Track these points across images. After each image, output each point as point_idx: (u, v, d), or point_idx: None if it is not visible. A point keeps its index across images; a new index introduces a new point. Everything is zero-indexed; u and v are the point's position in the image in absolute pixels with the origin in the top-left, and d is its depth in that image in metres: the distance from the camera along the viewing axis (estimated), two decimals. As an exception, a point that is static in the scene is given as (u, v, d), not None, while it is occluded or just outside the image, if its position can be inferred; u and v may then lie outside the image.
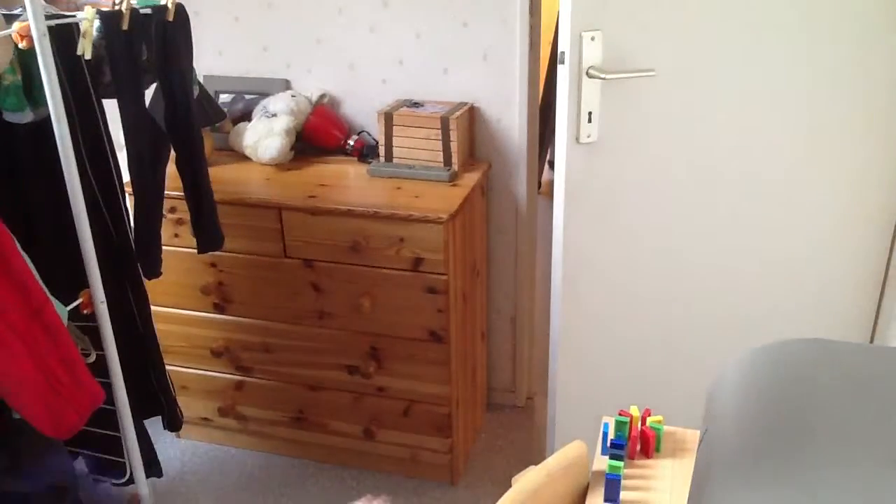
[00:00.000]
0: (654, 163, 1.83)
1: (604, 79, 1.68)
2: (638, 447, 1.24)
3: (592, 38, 1.67)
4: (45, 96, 1.44)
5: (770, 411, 0.84)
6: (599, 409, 2.05)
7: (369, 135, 2.44)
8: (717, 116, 1.80)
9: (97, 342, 1.63)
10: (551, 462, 1.14)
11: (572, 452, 1.15)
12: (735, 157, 1.84)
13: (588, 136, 1.75)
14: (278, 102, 2.38)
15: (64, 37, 1.52)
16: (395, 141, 2.25)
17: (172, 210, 2.17)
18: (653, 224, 1.89)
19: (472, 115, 2.35)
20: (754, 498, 0.73)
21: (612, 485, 1.06)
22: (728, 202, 1.88)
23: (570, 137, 1.75)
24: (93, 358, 1.61)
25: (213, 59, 2.53)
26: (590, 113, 1.73)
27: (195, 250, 2.02)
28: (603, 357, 2.00)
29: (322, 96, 2.45)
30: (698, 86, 1.77)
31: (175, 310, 2.34)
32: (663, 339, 2.00)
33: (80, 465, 1.89)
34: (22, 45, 1.39)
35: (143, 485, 1.80)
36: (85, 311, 1.59)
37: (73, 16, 1.53)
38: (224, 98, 2.51)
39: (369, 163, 2.32)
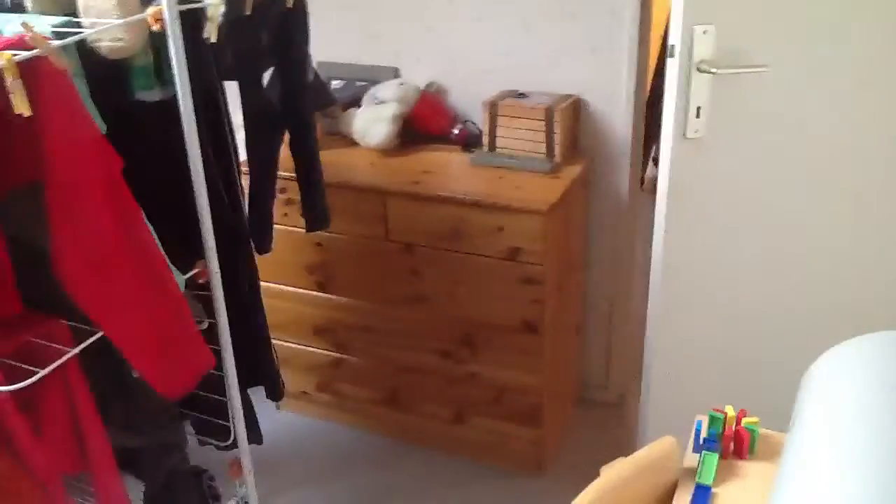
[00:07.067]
0: (763, 161, 1.78)
1: (714, 73, 1.65)
2: (731, 447, 1.22)
3: (704, 32, 1.64)
4: (172, 76, 1.53)
5: (859, 407, 0.82)
6: (692, 409, 2.01)
7: (474, 124, 2.47)
8: (830, 116, 1.74)
9: (209, 312, 1.73)
10: (641, 455, 1.13)
11: (663, 447, 1.15)
12: (847, 158, 1.77)
13: (695, 132, 1.72)
14: (387, 90, 2.44)
15: (191, 21, 1.61)
16: (499, 131, 2.27)
17: (283, 191, 2.26)
18: (757, 224, 1.84)
19: (577, 108, 2.34)
20: (838, 497, 0.72)
21: (702, 492, 1.05)
22: (836, 203, 1.81)
23: (677, 132, 1.72)
24: (205, 325, 1.70)
25: (325, 45, 2.60)
26: (698, 108, 1.70)
27: (303, 230, 2.10)
28: (699, 357, 1.96)
29: (429, 85, 2.50)
30: (813, 83, 1.71)
31: (281, 286, 2.44)
32: (762, 342, 1.95)
33: (187, 426, 2.00)
34: (155, 27, 1.48)
35: (244, 449, 1.90)
36: (200, 281, 1.68)
37: (201, 1, 1.61)
38: (335, 84, 2.59)
39: (472, 151, 2.34)
